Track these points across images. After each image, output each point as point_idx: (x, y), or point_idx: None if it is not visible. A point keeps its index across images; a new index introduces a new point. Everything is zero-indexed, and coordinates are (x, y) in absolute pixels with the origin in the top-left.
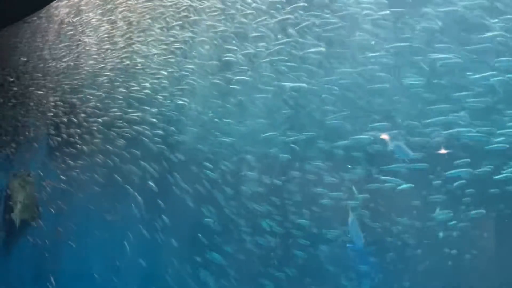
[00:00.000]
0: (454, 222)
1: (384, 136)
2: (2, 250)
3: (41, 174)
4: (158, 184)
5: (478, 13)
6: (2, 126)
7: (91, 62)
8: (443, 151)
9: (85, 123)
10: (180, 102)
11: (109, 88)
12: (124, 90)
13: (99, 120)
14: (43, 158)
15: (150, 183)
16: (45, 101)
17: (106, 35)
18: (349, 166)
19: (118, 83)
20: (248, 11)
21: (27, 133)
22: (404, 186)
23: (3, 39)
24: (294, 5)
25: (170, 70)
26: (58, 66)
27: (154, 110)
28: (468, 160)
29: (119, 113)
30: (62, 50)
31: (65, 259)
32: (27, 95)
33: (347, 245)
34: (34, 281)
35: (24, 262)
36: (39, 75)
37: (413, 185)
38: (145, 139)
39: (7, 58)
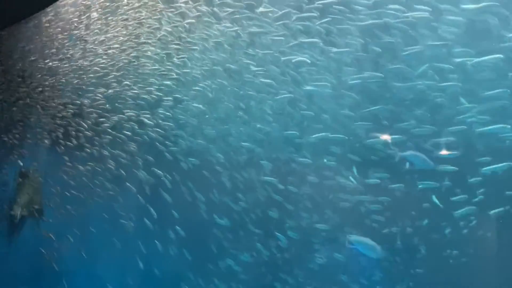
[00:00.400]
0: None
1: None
2: (3, 246)
3: (47, 175)
4: (165, 187)
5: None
6: (9, 127)
7: (98, 62)
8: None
9: (93, 125)
10: (190, 105)
11: (117, 89)
12: (132, 92)
13: (107, 122)
14: (50, 160)
15: (160, 187)
16: (52, 102)
17: (114, 35)
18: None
19: (126, 84)
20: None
21: (34, 134)
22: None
23: (8, 38)
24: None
25: (179, 72)
26: (65, 66)
27: (162, 112)
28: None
29: (127, 115)
30: (70, 50)
31: (69, 264)
32: (34, 96)
33: (347, 245)
34: (31, 280)
35: (23, 260)
36: (46, 75)
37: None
38: (153, 141)
39: (14, 58)
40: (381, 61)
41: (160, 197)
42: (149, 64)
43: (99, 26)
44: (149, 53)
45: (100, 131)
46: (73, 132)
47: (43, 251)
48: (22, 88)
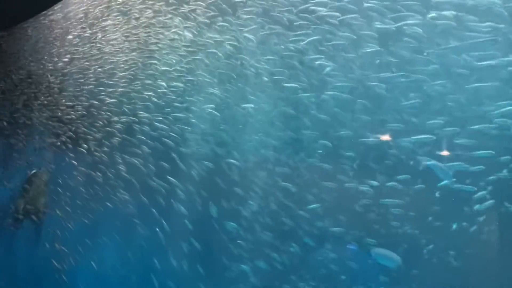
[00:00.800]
0: None
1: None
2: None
3: (53, 178)
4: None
5: None
6: (16, 130)
7: (107, 62)
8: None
9: (101, 127)
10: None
11: (126, 90)
12: (142, 94)
13: (116, 124)
14: (57, 163)
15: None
16: (60, 104)
17: (123, 34)
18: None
19: (135, 85)
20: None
21: (41, 137)
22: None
23: (15, 39)
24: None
25: (191, 76)
26: (73, 66)
27: (173, 115)
28: None
29: (137, 117)
30: (78, 49)
31: (77, 272)
32: (41, 97)
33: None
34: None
35: (27, 266)
36: (54, 76)
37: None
38: (163, 144)
39: (21, 59)
40: (404, 63)
41: (171, 202)
42: (158, 66)
43: (107, 25)
44: (157, 55)
45: (109, 133)
46: (81, 135)
47: (47, 256)
48: (29, 90)
